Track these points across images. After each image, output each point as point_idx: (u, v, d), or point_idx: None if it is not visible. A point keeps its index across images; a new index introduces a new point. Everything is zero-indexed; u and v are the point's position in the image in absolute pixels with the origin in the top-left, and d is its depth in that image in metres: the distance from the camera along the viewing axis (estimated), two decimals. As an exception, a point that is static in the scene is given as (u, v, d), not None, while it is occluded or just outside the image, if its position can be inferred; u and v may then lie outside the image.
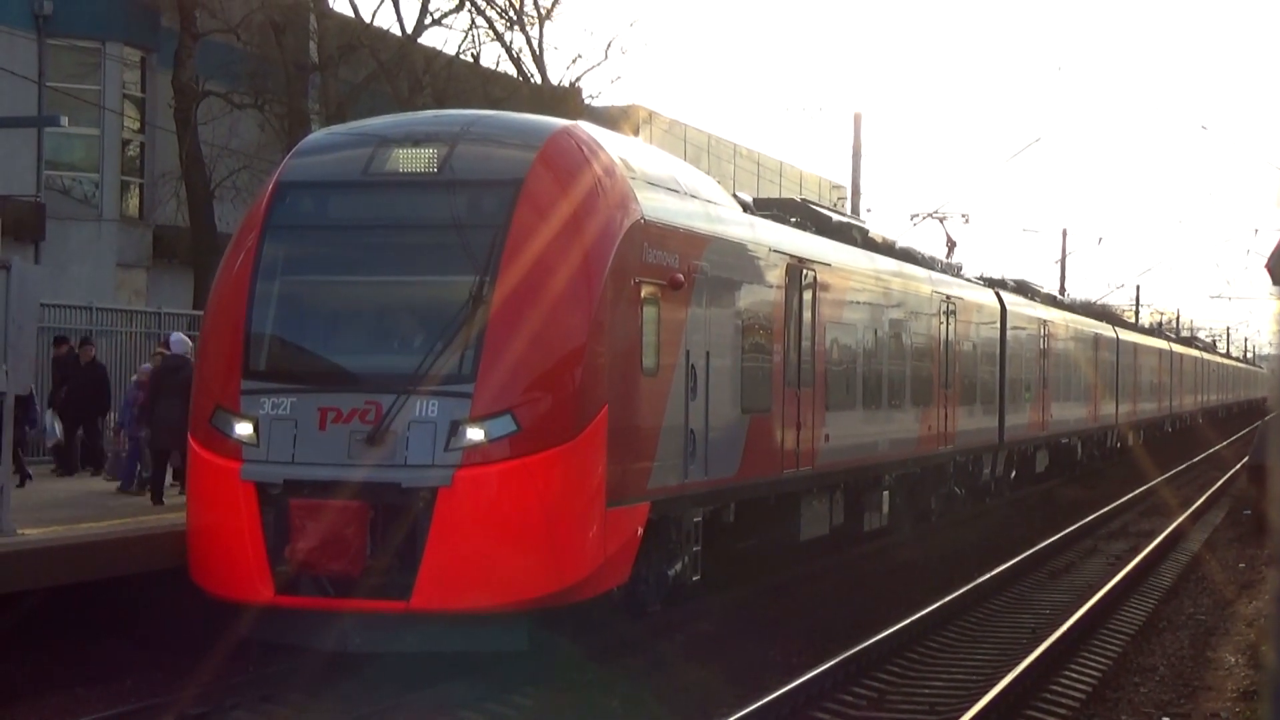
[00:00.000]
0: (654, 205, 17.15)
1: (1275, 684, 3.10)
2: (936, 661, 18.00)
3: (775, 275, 21.01)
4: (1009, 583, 24.17)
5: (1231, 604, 22.92)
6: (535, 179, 15.94)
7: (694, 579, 18.23)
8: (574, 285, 15.47)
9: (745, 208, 21.84)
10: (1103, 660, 18.12)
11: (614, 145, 17.46)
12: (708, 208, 19.32)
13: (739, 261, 19.76)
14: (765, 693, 14.81)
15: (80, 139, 38.93)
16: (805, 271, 22.24)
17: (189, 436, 15.92)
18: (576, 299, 15.45)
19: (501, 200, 15.75)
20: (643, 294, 16.49)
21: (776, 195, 52.71)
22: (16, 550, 15.85)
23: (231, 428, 15.33)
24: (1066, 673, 17.11)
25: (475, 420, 14.87)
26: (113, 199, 39.52)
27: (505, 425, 14.90)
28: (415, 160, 16.21)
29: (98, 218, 39.15)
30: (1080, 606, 20.69)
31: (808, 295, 22.29)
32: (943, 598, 20.97)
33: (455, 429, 14.86)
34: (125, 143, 40.18)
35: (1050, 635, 18.35)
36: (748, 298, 19.96)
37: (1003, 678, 15.90)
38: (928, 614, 19.80)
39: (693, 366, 17.76)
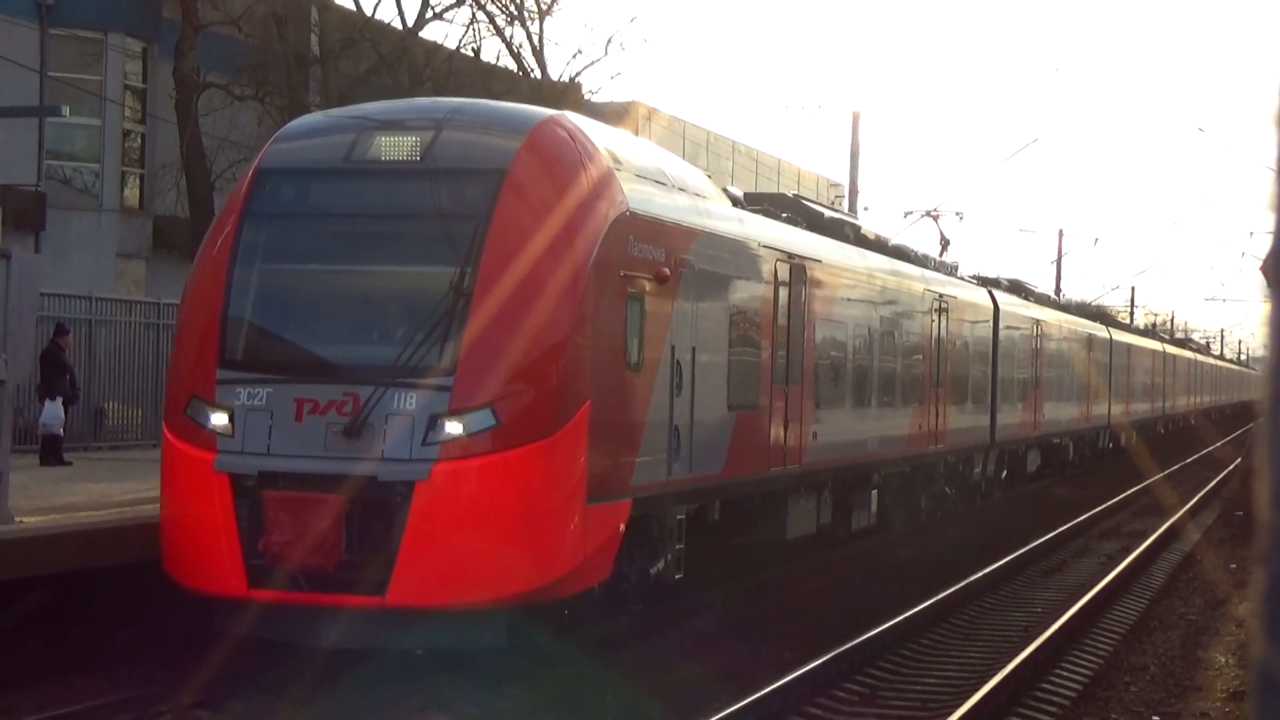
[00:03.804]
0: (640, 197, 16.87)
1: (1261, 678, 2.83)
2: (928, 659, 17.83)
3: (764, 271, 20.76)
4: (1001, 581, 24.02)
5: (1223, 604, 22.78)
6: (520, 168, 15.62)
7: (676, 577, 17.98)
8: (557, 277, 15.15)
9: (735, 202, 21.57)
10: (1094, 659, 18.01)
11: (601, 136, 17.16)
12: (696, 201, 19.05)
13: (727, 256, 19.50)
14: (757, 689, 14.61)
15: (81, 129, 38.82)
16: (795, 268, 21.99)
17: (164, 425, 15.65)
18: (559, 291, 15.13)
19: (485, 189, 15.42)
20: (628, 288, 16.21)
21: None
22: (14, 538, 15.63)
23: (206, 418, 15.01)
24: (1057, 671, 16.99)
25: (454, 414, 14.55)
26: (113, 189, 39.40)
27: (484, 419, 14.58)
28: (398, 147, 15.87)
29: (98, 208, 39.02)
30: (1072, 605, 20.54)
31: (797, 291, 22.04)
32: (934, 596, 20.78)
33: (434, 422, 14.54)
34: (126, 133, 40.03)
35: (1042, 633, 18.21)
36: (736, 293, 19.70)
37: (994, 675, 15.75)
38: (919, 611, 19.64)
39: (678, 362, 17.49)
